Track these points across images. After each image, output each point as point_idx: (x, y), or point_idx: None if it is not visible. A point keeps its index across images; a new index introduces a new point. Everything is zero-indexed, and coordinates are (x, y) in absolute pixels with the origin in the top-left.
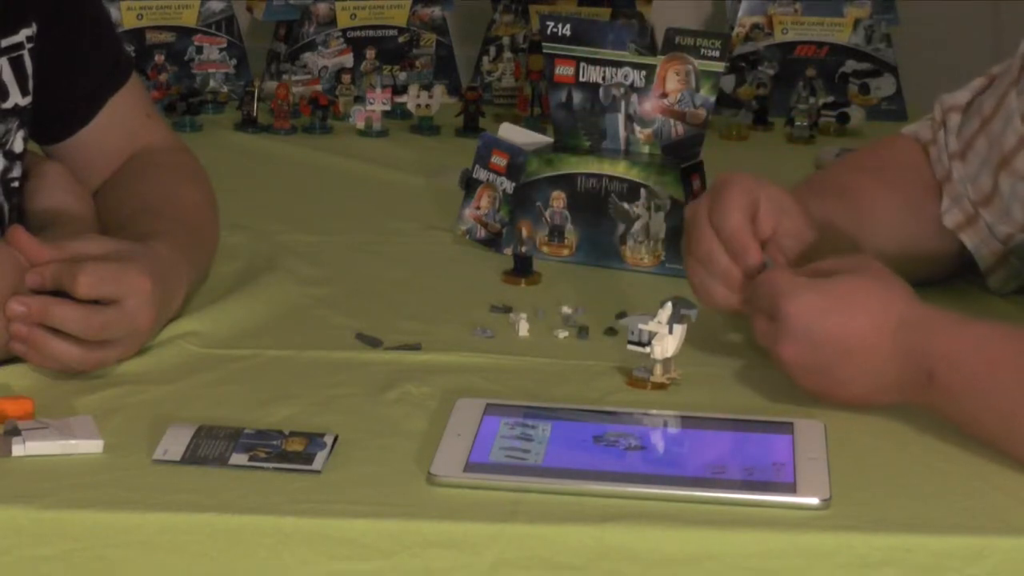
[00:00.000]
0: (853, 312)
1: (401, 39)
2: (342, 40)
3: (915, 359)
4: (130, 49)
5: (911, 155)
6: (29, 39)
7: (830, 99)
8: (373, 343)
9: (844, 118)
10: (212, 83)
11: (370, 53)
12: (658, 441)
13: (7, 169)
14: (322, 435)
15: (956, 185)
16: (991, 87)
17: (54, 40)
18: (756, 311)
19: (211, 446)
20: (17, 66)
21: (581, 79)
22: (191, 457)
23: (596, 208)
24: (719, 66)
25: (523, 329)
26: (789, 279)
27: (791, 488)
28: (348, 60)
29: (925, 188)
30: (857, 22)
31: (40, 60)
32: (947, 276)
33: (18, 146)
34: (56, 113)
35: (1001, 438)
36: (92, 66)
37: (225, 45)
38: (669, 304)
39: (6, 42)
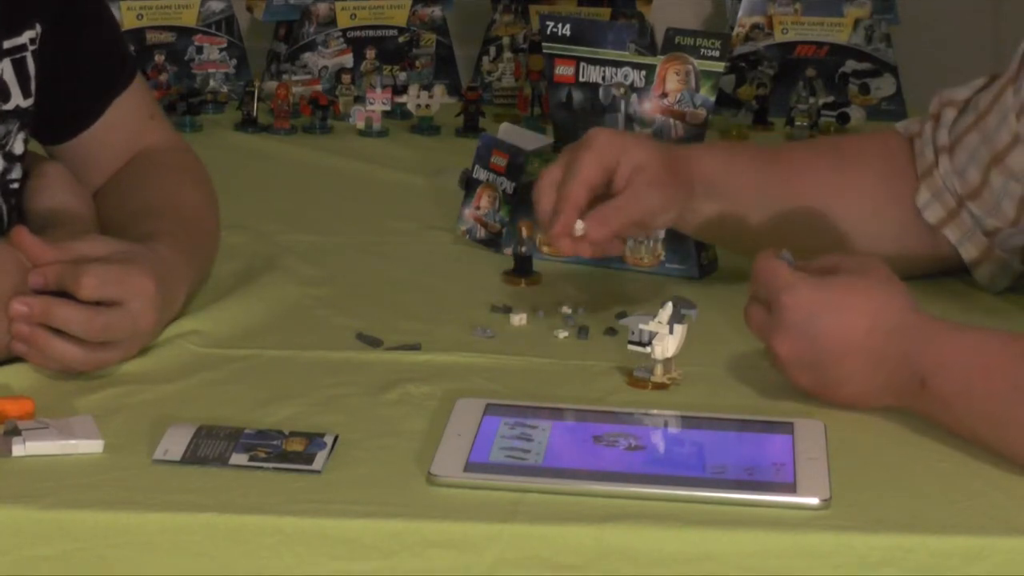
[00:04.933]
0: (850, 312)
1: (401, 39)
2: (342, 40)
3: (908, 364)
4: (131, 49)
5: (883, 148)
6: (32, 41)
7: (830, 99)
8: (373, 343)
9: (844, 118)
10: (212, 83)
11: (370, 53)
12: (658, 441)
13: (7, 170)
14: (322, 435)
15: (939, 179)
16: (989, 86)
17: (59, 41)
18: (753, 299)
19: (211, 446)
20: (19, 67)
21: (581, 79)
22: (191, 457)
23: None
24: (719, 66)
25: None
26: (788, 272)
27: (791, 488)
28: (348, 60)
29: (886, 178)
30: (857, 22)
31: (45, 61)
32: (920, 275)
33: (18, 148)
34: (60, 114)
35: (994, 444)
36: (97, 67)
37: (225, 45)
38: (669, 304)
39: (8, 43)
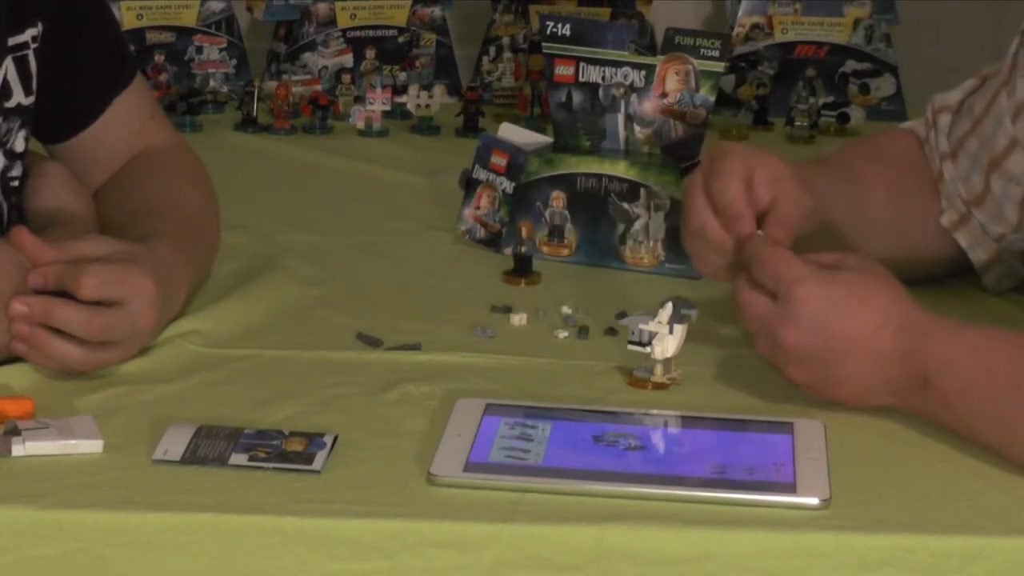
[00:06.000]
0: (860, 309)
1: (401, 39)
2: (342, 40)
3: (911, 362)
4: (131, 49)
5: (911, 149)
6: (34, 39)
7: (830, 99)
8: (373, 343)
9: (844, 118)
10: (212, 83)
11: (370, 53)
12: (658, 441)
13: (7, 168)
14: (322, 435)
15: (948, 185)
16: (982, 88)
17: (60, 40)
18: (753, 288)
19: (211, 446)
20: (21, 65)
21: (581, 79)
22: (191, 457)
23: (596, 208)
24: (719, 66)
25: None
26: (800, 263)
27: (791, 488)
28: (348, 60)
29: (925, 182)
30: (857, 22)
31: (46, 60)
32: (945, 275)
33: (19, 145)
34: (61, 113)
35: (996, 443)
36: (97, 66)
37: (225, 45)
38: (669, 304)
39: (12, 41)
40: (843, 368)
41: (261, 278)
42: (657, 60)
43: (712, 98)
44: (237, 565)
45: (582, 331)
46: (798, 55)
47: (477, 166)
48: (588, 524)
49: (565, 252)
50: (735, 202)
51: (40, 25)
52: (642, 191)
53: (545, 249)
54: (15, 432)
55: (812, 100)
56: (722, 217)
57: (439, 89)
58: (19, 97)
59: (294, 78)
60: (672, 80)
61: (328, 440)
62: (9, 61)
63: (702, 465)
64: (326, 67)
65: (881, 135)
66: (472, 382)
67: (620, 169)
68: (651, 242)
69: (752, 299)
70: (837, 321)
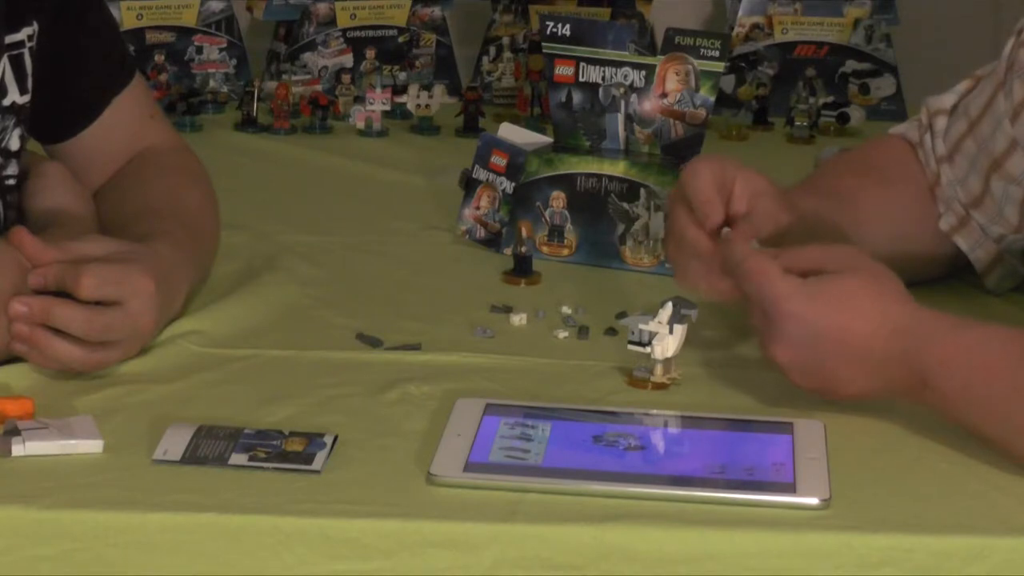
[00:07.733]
0: (850, 315)
1: (401, 39)
2: (342, 40)
3: (909, 364)
4: (130, 49)
5: (903, 156)
6: (30, 38)
7: (830, 99)
8: (373, 343)
9: (844, 118)
10: (212, 83)
11: (370, 53)
12: (658, 441)
13: (2, 166)
14: (322, 435)
15: (946, 189)
16: (976, 89)
17: (58, 39)
18: (748, 296)
19: (211, 446)
20: (17, 64)
21: (581, 79)
22: (191, 457)
23: (596, 208)
24: (719, 66)
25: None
26: (782, 278)
27: (791, 488)
28: (348, 60)
29: (920, 189)
30: (857, 22)
31: (44, 59)
32: (944, 276)
33: (14, 144)
34: (60, 113)
35: (997, 442)
36: (96, 66)
37: (225, 45)
38: (669, 304)
39: (8, 39)
40: (841, 372)
41: (261, 278)
42: (657, 60)
43: (712, 98)
44: (237, 565)
45: (582, 331)
46: (798, 55)
47: (477, 166)
48: (588, 524)
49: (565, 252)
50: (702, 194)
51: (36, 24)
52: (642, 191)
53: (545, 249)
54: (15, 432)
55: (812, 100)
56: (695, 213)
57: (439, 89)
58: (14, 95)
59: (294, 78)
60: (672, 80)
61: (328, 440)
62: (5, 60)
63: (702, 465)
64: (326, 67)
65: (869, 144)
66: (472, 382)
67: (620, 169)
68: (651, 242)
69: (751, 309)
70: (826, 332)
